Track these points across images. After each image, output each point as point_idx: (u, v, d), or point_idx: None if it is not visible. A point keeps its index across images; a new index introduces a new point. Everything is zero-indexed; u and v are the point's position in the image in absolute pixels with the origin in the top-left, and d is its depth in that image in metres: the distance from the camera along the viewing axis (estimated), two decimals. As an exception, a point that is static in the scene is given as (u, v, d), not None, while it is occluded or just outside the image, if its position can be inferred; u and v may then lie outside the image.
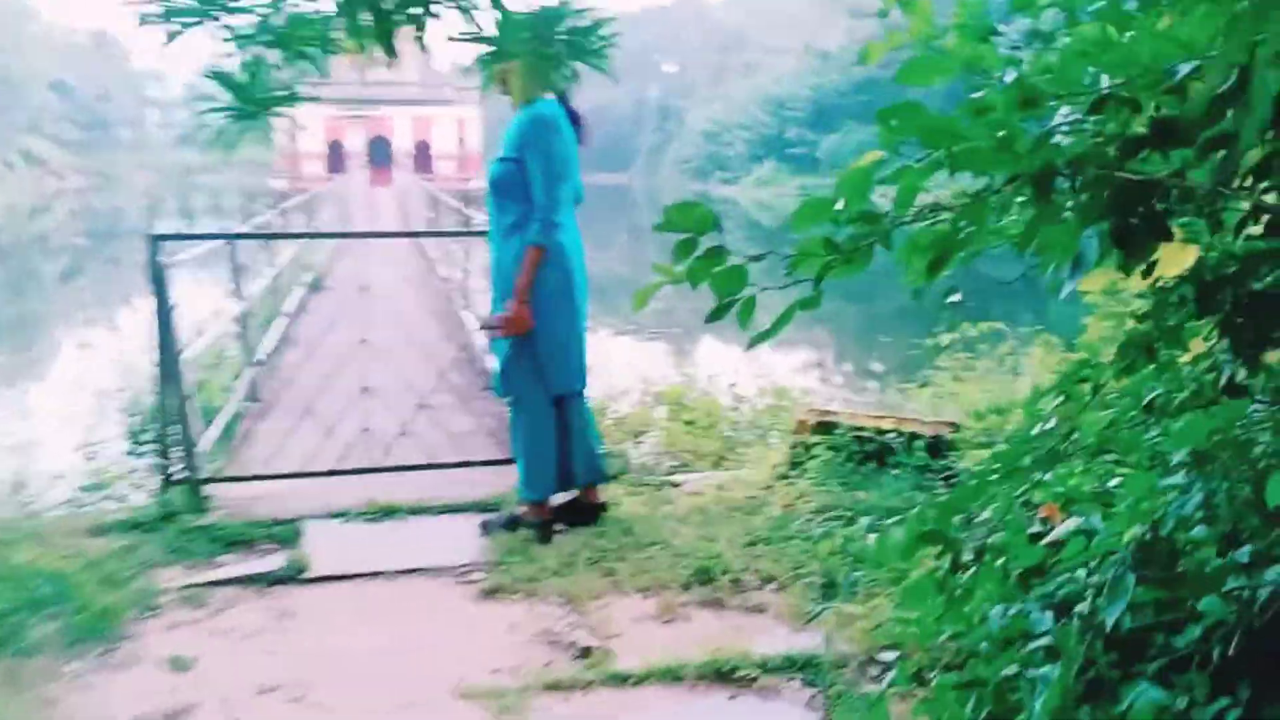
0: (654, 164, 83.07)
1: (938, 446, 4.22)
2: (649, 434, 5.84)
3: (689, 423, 5.76)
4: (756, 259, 1.58)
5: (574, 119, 3.76)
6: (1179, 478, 1.54)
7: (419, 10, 1.76)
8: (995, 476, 1.94)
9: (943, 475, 4.07)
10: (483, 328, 3.77)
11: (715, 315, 1.57)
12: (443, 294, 9.75)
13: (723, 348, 16.52)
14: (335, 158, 57.46)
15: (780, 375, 9.42)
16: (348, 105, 58.22)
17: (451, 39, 1.99)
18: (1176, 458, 1.54)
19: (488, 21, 1.84)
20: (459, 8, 1.78)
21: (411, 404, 4.95)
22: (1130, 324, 3.17)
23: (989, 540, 2.04)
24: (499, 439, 4.89)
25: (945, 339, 5.60)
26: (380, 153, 58.15)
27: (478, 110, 61.12)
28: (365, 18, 1.76)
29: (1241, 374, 1.81)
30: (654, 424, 5.97)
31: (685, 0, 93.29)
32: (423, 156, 58.71)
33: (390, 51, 1.76)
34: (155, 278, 3.79)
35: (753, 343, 1.61)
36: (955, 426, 4.35)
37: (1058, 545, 2.09)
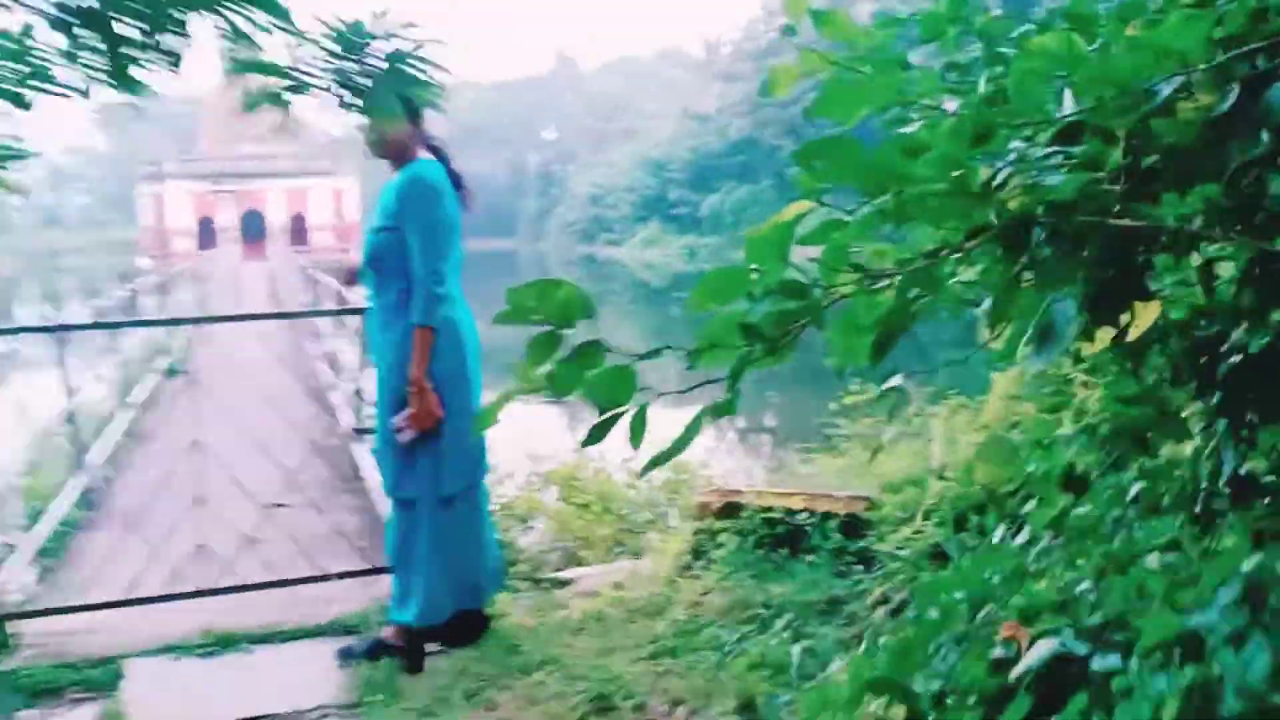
0: (539, 229, 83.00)
1: (854, 525, 3.84)
2: (537, 520, 5.34)
3: (582, 506, 5.29)
4: (647, 356, 1.14)
5: (455, 181, 3.36)
6: (1219, 617, 1.14)
7: (169, 30, 1.29)
8: (960, 601, 1.55)
9: (860, 558, 3.68)
10: (395, 430, 3.25)
11: (594, 438, 1.13)
12: (310, 374, 9.10)
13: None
14: (206, 234, 55.59)
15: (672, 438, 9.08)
16: (219, 179, 56.64)
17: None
18: (1224, 597, 1.15)
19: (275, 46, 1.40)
20: (228, 27, 1.33)
21: (258, 508, 4.34)
22: (1080, 389, 2.84)
23: (950, 680, 1.63)
24: (358, 544, 4.33)
25: (849, 399, 5.24)
26: (253, 227, 56.50)
27: (355, 180, 60.15)
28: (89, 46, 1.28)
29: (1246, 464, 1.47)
30: (543, 510, 5.47)
31: (561, 68, 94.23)
32: (298, 229, 57.28)
33: (126, 85, 1.28)
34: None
35: (648, 468, 1.18)
36: (870, 502, 3.98)
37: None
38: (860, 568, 3.63)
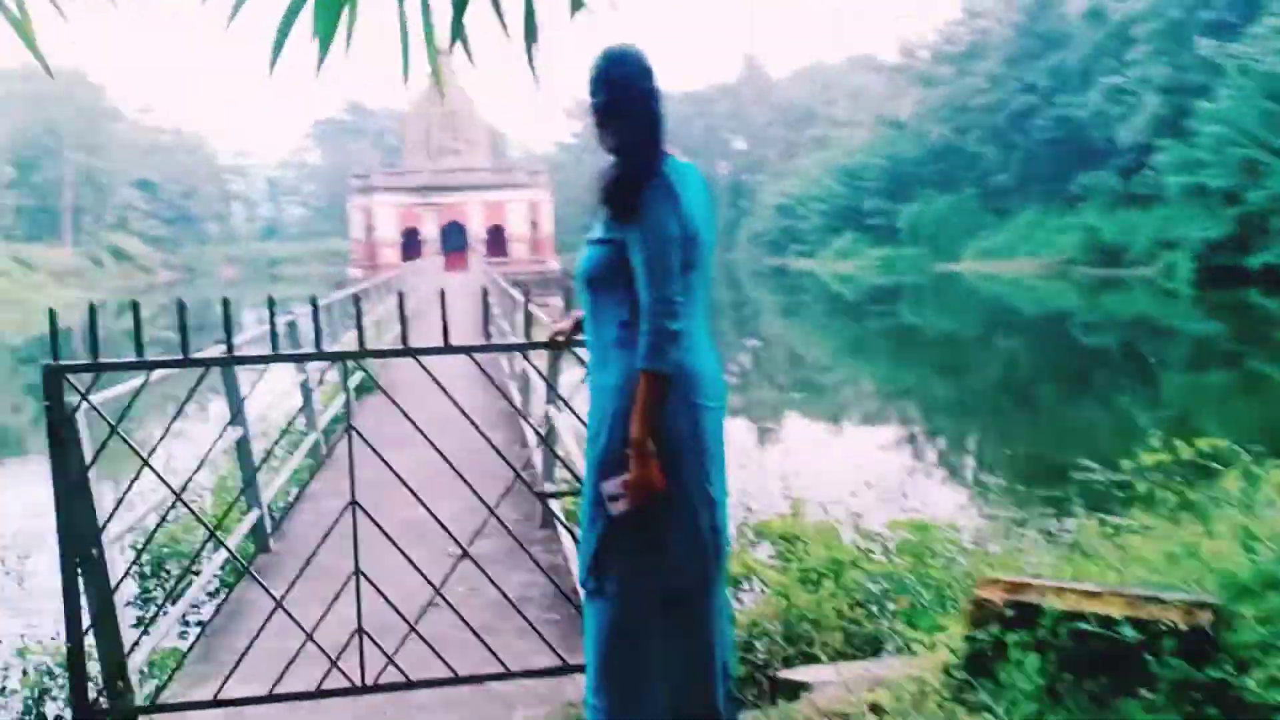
0: (728, 240, 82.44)
1: (1198, 645, 2.83)
2: (748, 590, 4.52)
3: (805, 571, 4.42)
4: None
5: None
6: None
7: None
8: None
9: (1215, 698, 2.68)
10: (606, 498, 2.50)
11: None
12: (502, 400, 8.63)
13: (809, 428, 15.07)
14: (410, 244, 57.80)
15: (891, 481, 8.04)
16: (422, 193, 58.82)
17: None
18: None
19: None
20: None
21: (434, 556, 3.71)
22: None
23: None
24: (546, 617, 3.63)
25: (1148, 458, 4.13)
26: (454, 238, 58.34)
27: (549, 193, 61.26)
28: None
29: None
30: (757, 571, 4.64)
31: (751, 78, 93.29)
32: (496, 240, 58.75)
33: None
34: (56, 423, 2.65)
35: None
36: (1217, 611, 2.96)
37: None
38: (1215, 711, 2.64)
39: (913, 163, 59.27)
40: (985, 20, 60.47)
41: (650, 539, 2.50)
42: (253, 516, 4.64)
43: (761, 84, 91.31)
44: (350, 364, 10.08)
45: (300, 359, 2.76)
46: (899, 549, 4.77)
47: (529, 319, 3.29)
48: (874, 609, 4.20)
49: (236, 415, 4.54)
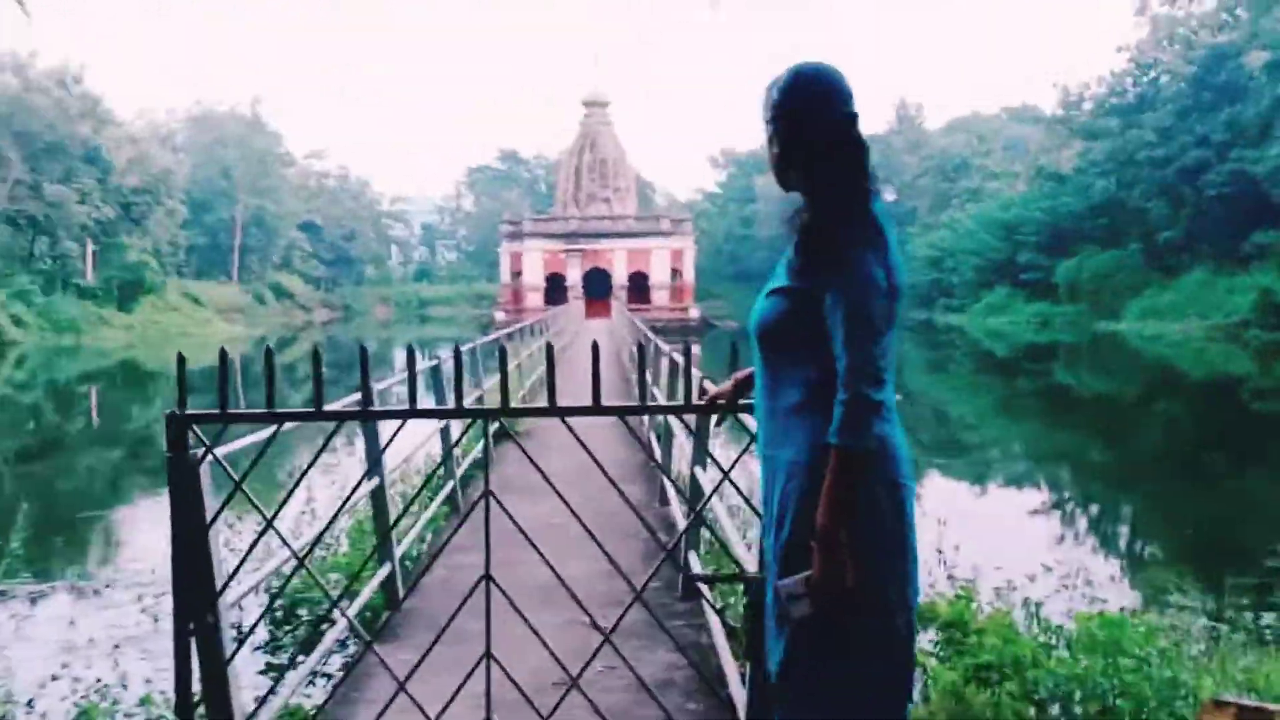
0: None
1: None
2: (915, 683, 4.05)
3: (980, 668, 3.94)
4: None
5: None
6: None
7: None
8: None
9: None
10: (785, 600, 2.11)
11: None
12: (640, 452, 8.37)
13: (955, 491, 14.20)
14: (555, 289, 58.85)
15: (1045, 554, 7.37)
16: (569, 239, 59.94)
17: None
18: None
19: None
20: None
21: (562, 646, 3.41)
22: None
23: None
24: (702, 714, 3.27)
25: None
26: (597, 284, 59.10)
27: (691, 241, 61.49)
28: None
29: None
30: (921, 664, 4.17)
31: (903, 127, 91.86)
32: (638, 287, 59.22)
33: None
34: (177, 475, 2.48)
35: None
36: None
37: None
38: None
39: (1073, 217, 56.94)
40: (1155, 71, 57.96)
41: (837, 646, 2.09)
42: (384, 571, 4.46)
43: (914, 134, 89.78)
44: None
45: (438, 415, 2.52)
46: (1081, 645, 4.23)
47: (689, 378, 2.93)
48: (1060, 716, 3.69)
49: (374, 466, 4.39)
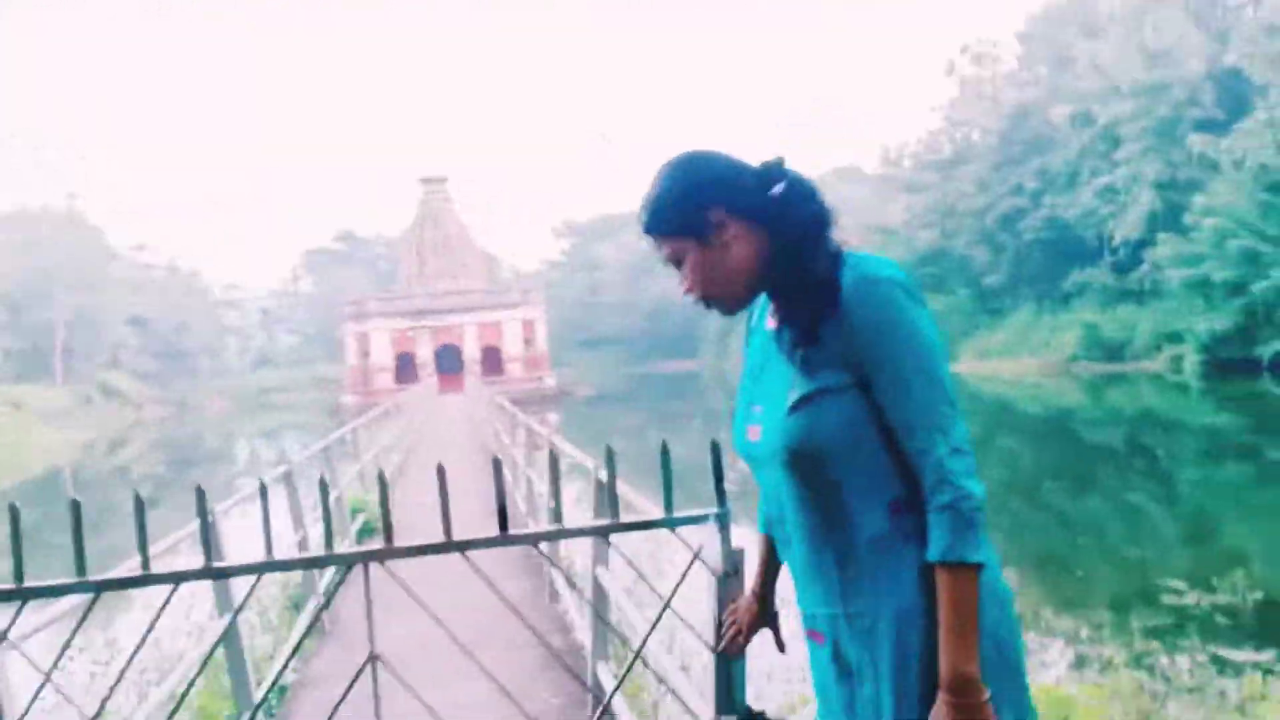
0: (723, 349, 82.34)
1: None
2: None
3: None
4: None
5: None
6: None
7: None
8: None
9: None
10: None
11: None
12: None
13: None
14: (405, 368, 57.38)
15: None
16: (416, 316, 58.72)
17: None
18: None
19: None
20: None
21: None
22: None
23: None
24: None
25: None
26: (449, 360, 57.97)
27: (542, 310, 61.22)
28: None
29: None
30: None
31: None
32: (491, 360, 58.38)
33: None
34: None
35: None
36: None
37: None
38: None
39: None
40: (967, 128, 61.75)
41: None
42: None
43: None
44: (353, 504, 9.32)
45: (307, 565, 1.97)
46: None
47: (613, 489, 2.45)
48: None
49: (229, 631, 3.73)
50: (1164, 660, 6.16)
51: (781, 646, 1.97)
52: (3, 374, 64.79)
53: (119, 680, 1.63)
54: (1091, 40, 51.42)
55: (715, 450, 2.15)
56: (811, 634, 1.72)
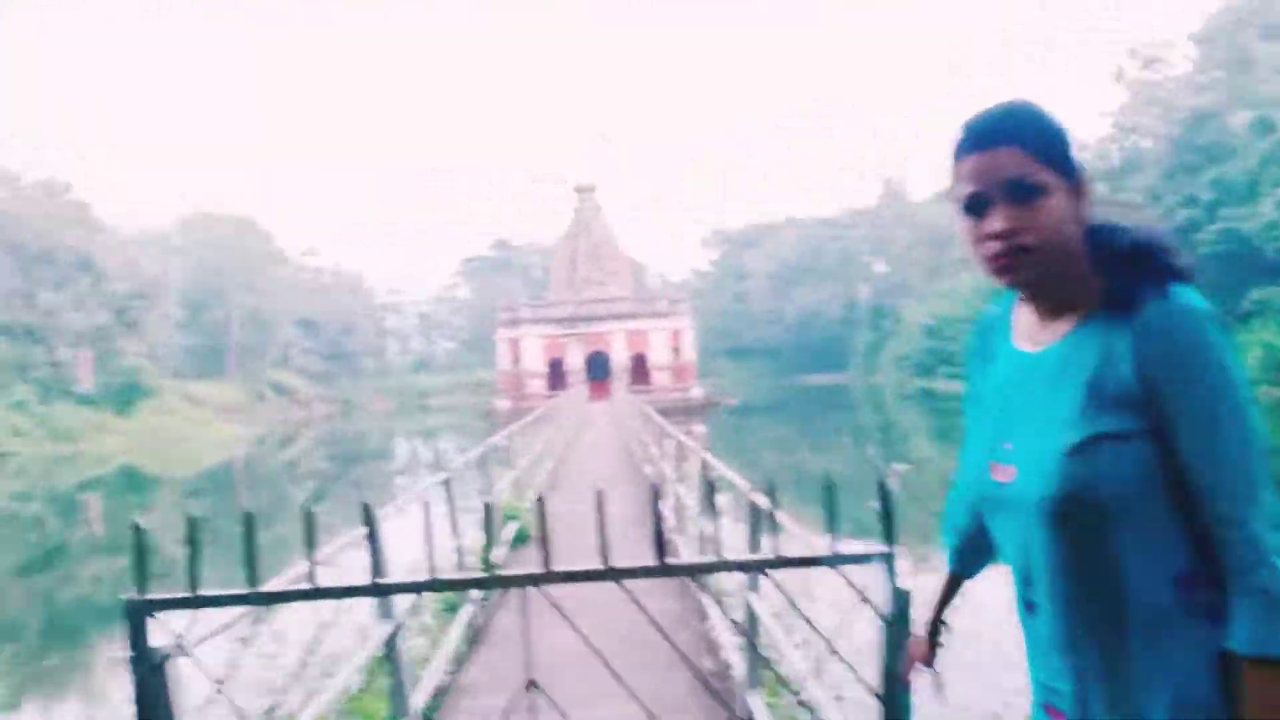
0: (871, 363, 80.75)
1: None
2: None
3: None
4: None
5: None
6: None
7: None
8: None
9: None
10: None
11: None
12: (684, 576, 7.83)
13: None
14: (555, 375, 58.53)
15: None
16: (567, 324, 59.80)
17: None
18: None
19: None
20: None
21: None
22: None
23: None
24: None
25: None
26: (598, 367, 58.80)
27: (689, 320, 61.36)
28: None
29: None
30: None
31: (889, 199, 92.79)
32: (639, 369, 58.89)
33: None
34: (140, 676, 1.97)
35: None
36: None
37: None
38: None
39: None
40: (1138, 135, 58.77)
41: None
42: (404, 728, 3.90)
43: (901, 207, 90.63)
44: (506, 511, 9.55)
45: (465, 586, 1.98)
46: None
47: (773, 520, 2.43)
48: None
49: (390, 642, 3.86)
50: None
51: (939, 685, 1.84)
52: (183, 370, 69.24)
53: (286, 688, 1.67)
54: (1273, 42, 48.18)
55: (883, 491, 2.09)
56: (1048, 708, 1.51)
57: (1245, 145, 48.48)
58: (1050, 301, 1.49)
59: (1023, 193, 1.40)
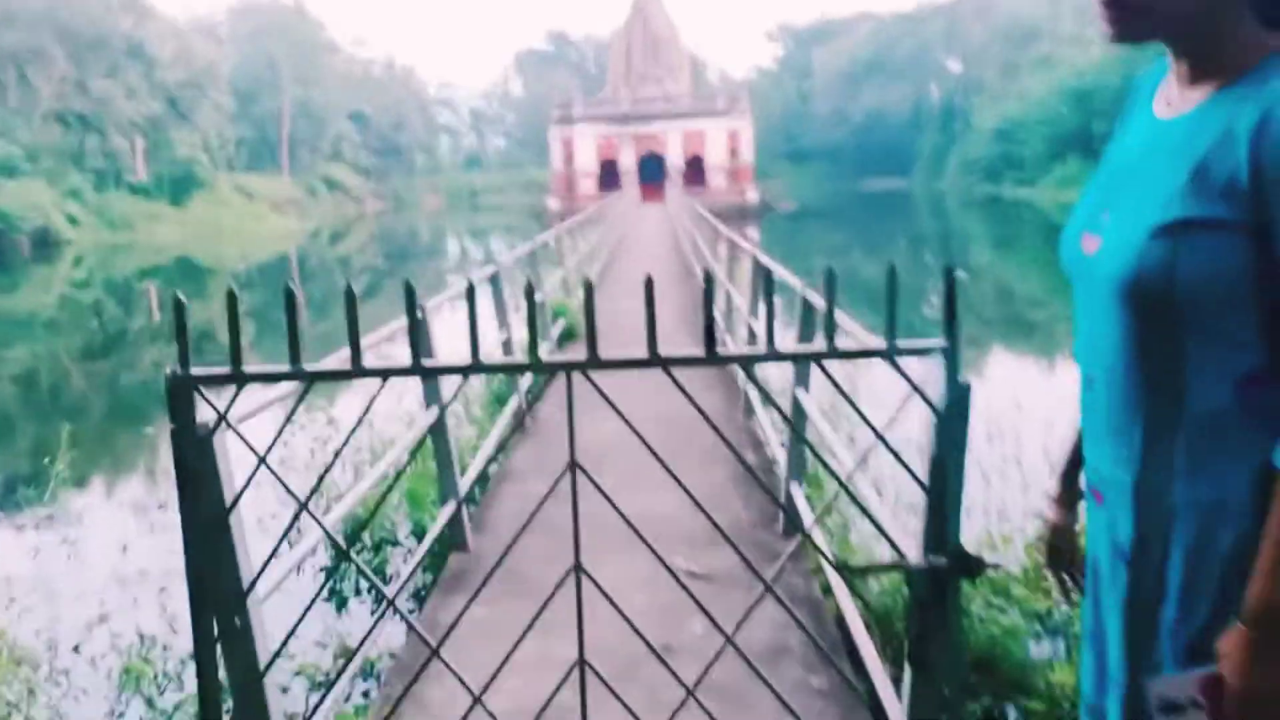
0: (937, 168, 78.36)
1: None
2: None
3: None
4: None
5: None
6: None
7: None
8: None
9: None
10: (1161, 711, 1.28)
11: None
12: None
13: (1023, 370, 13.37)
14: (608, 175, 57.75)
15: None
16: (620, 123, 58.45)
17: None
18: None
19: None
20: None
21: (655, 579, 2.91)
22: None
23: None
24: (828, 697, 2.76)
25: None
26: (651, 169, 57.82)
27: (748, 121, 59.61)
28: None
29: None
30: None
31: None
32: (694, 171, 57.82)
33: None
34: (185, 451, 1.94)
35: None
36: None
37: None
38: None
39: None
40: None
41: None
42: (449, 509, 3.98)
43: (981, 1, 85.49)
44: (554, 308, 9.55)
45: (508, 370, 1.86)
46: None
47: (831, 319, 2.25)
48: None
49: (438, 422, 3.87)
50: None
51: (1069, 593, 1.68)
52: (236, 162, 69.27)
53: (334, 460, 1.62)
54: None
55: (949, 279, 1.93)
56: (1095, 492, 1.46)
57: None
58: (1190, 62, 1.32)
59: None
